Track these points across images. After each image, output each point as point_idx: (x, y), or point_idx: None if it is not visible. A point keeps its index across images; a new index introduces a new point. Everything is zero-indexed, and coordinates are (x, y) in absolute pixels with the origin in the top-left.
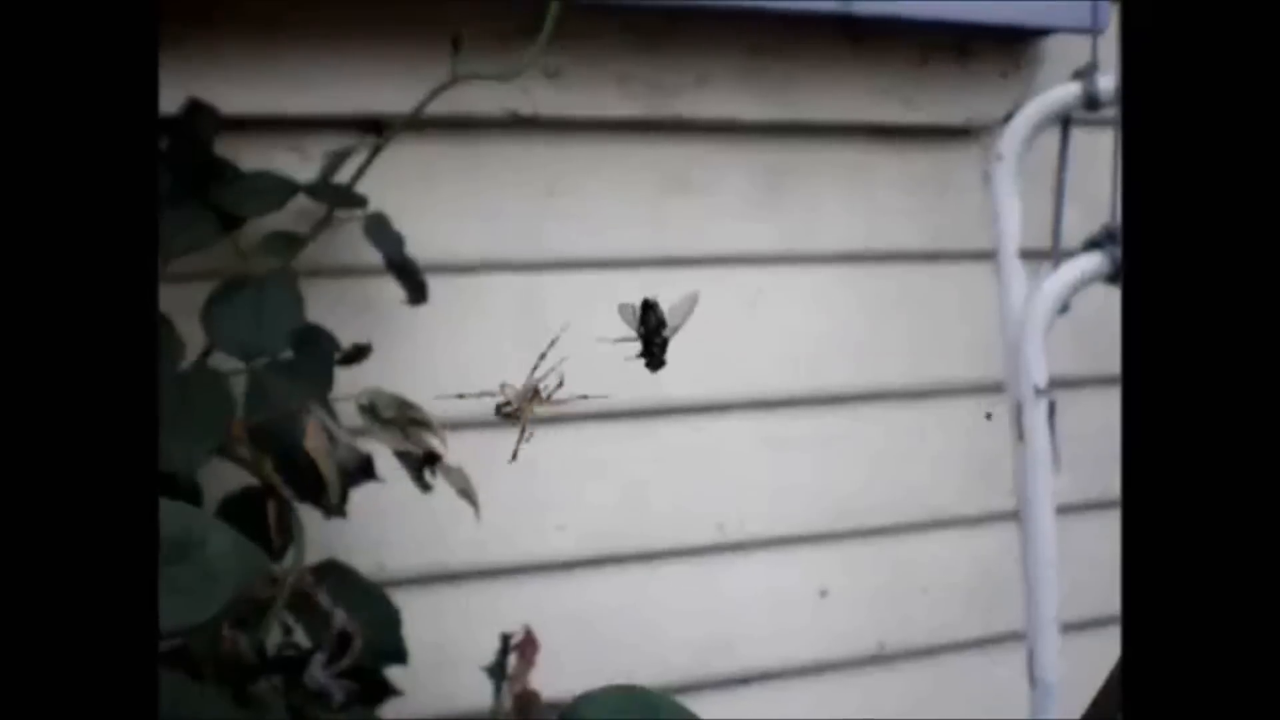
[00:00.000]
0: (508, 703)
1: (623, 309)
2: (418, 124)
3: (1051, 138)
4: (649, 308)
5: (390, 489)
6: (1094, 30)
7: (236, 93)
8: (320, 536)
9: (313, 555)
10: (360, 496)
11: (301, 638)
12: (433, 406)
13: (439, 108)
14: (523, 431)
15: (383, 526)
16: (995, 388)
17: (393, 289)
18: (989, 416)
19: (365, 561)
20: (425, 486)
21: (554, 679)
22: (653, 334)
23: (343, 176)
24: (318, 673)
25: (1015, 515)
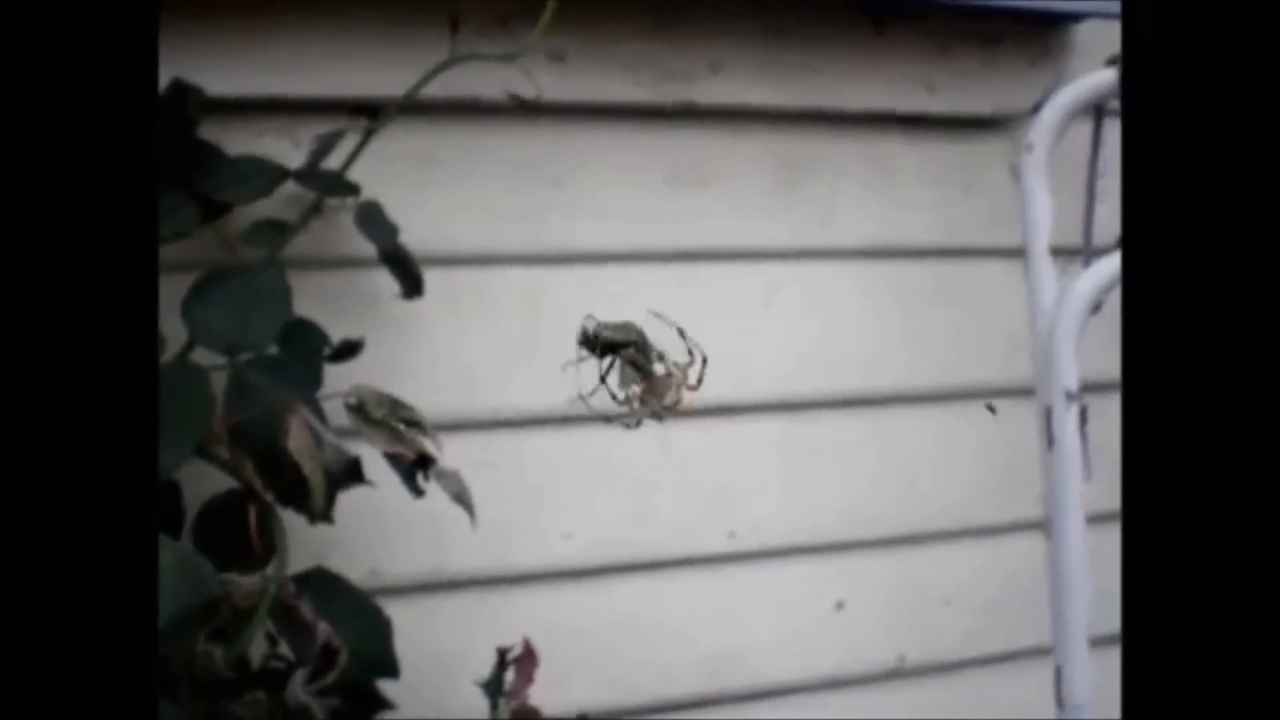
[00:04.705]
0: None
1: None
2: (414, 108)
3: (1083, 128)
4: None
5: (385, 493)
6: None
7: (223, 73)
8: (312, 542)
9: (303, 562)
10: (354, 501)
11: (289, 650)
12: (427, 406)
13: (436, 91)
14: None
15: (378, 532)
16: (1022, 391)
17: (386, 282)
18: (991, 409)
19: (358, 569)
20: (418, 491)
21: (559, 694)
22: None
23: (334, 162)
24: (299, 689)
25: (1043, 525)
